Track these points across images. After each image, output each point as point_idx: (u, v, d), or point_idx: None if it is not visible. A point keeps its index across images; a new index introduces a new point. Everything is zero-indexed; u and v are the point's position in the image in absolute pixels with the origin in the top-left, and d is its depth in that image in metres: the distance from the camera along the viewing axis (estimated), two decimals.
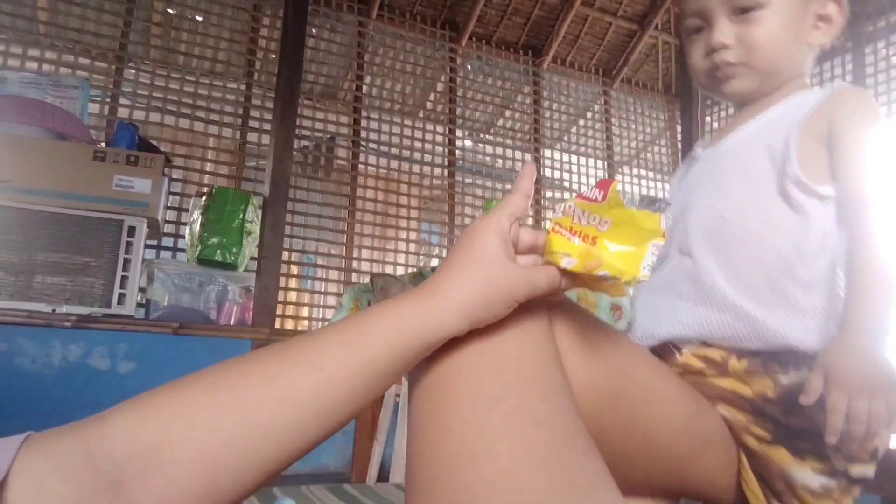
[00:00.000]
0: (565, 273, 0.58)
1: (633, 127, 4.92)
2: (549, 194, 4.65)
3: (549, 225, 0.59)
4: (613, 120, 4.84)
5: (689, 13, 0.78)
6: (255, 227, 3.12)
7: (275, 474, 0.48)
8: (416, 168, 4.12)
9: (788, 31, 0.75)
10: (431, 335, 0.53)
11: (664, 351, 0.75)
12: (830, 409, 0.60)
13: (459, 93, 4.34)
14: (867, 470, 0.65)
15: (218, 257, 2.94)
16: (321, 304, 3.72)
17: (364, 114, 3.96)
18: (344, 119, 3.91)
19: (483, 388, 0.52)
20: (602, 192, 0.59)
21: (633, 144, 4.94)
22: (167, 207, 3.09)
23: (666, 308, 0.74)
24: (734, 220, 0.71)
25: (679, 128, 4.69)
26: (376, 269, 3.82)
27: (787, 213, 0.69)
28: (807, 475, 0.65)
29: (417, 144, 4.11)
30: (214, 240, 2.95)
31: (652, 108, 5.02)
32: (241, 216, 3.02)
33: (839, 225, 0.68)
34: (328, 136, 3.86)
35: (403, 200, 4.03)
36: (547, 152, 4.61)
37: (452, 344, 0.55)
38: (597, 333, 0.64)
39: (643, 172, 4.92)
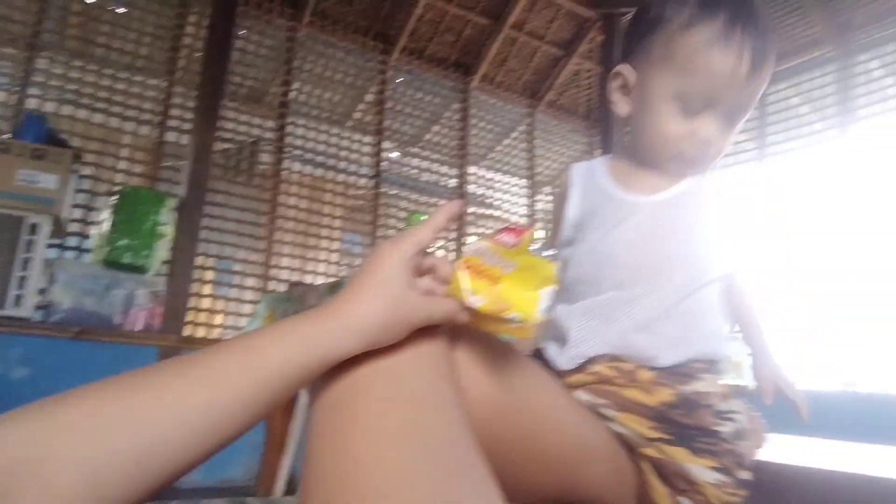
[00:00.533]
0: (468, 309, 0.60)
1: (556, 149, 5.08)
2: (471, 210, 4.73)
3: (460, 260, 0.62)
4: (537, 141, 4.98)
5: (700, 91, 0.78)
6: (169, 230, 3.02)
7: (164, 487, 0.48)
8: (341, 177, 4.10)
9: None
10: (329, 355, 0.54)
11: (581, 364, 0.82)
12: (798, 396, 0.84)
13: (389, 104, 4.35)
14: (747, 475, 0.76)
15: (126, 260, 2.83)
16: (236, 311, 3.63)
17: (290, 119, 3.91)
18: (269, 124, 3.84)
19: (377, 401, 0.54)
20: (517, 239, 0.62)
21: (555, 166, 5.09)
22: (74, 206, 2.94)
23: (599, 329, 0.80)
24: (673, 266, 0.80)
25: (597, 153, 4.88)
26: (295, 277, 3.77)
27: (711, 261, 0.83)
28: (704, 471, 0.73)
29: (344, 153, 4.09)
30: (124, 241, 2.83)
31: (573, 131, 5.20)
32: (154, 218, 2.91)
33: (731, 280, 0.87)
34: (251, 139, 3.79)
35: (327, 209, 4.00)
36: (472, 168, 4.69)
37: (352, 359, 0.57)
38: (493, 351, 0.67)
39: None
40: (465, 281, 0.60)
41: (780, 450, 1.60)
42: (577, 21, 4.62)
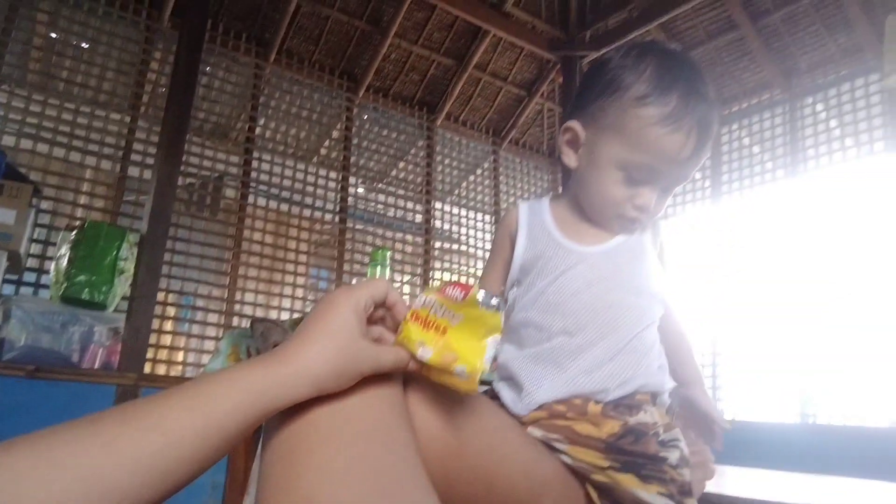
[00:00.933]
0: (417, 360, 0.62)
1: (520, 185, 5.18)
2: (438, 245, 4.77)
3: (409, 311, 0.64)
4: (501, 178, 5.07)
5: (643, 165, 0.82)
6: (130, 266, 2.97)
7: None
8: (307, 212, 4.10)
9: None
10: (279, 401, 0.55)
11: None
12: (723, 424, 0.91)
13: (354, 141, 4.40)
14: (691, 502, 0.80)
15: (85, 296, 2.77)
16: (198, 348, 3.57)
17: (256, 154, 3.92)
18: (234, 159, 3.84)
19: (329, 440, 0.56)
20: (463, 294, 0.65)
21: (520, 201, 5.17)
22: (32, 240, 2.89)
23: (549, 375, 0.83)
24: (619, 312, 0.85)
25: (560, 189, 4.98)
26: (260, 313, 3.73)
27: (649, 306, 0.88)
28: (653, 497, 0.76)
29: (310, 189, 4.11)
30: (82, 277, 2.78)
31: (537, 168, 5.31)
32: (115, 253, 2.87)
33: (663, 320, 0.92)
34: (216, 174, 3.78)
35: (292, 243, 3.99)
36: (438, 204, 4.74)
37: (307, 400, 0.58)
38: (445, 391, 0.69)
39: None
40: (413, 332, 0.62)
41: (736, 481, 1.64)
42: (538, 63, 4.76)
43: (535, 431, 0.81)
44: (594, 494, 0.79)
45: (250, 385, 0.54)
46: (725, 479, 1.66)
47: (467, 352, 0.60)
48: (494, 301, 0.65)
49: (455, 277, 4.73)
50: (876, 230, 3.46)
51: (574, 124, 0.89)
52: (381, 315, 0.66)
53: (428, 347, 0.61)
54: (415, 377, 0.67)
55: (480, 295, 0.64)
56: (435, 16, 4.31)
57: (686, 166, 0.83)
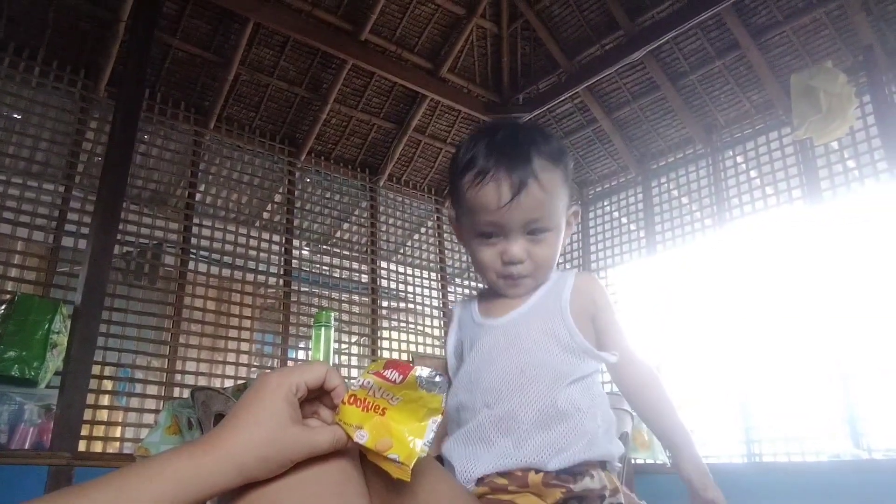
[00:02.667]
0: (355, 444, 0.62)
1: None
2: (385, 304, 4.76)
3: (346, 394, 0.64)
4: (446, 235, 5.14)
5: (488, 223, 0.89)
6: (63, 339, 2.87)
7: None
8: (250, 276, 4.06)
9: (560, 245, 0.94)
10: (205, 491, 0.55)
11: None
12: (718, 500, 0.84)
13: (298, 204, 4.42)
14: None
15: (15, 372, 2.65)
16: (137, 421, 3.43)
17: (196, 220, 3.89)
18: (174, 225, 3.80)
19: None
20: (402, 376, 0.64)
21: (465, 258, 5.25)
22: None
23: (480, 452, 0.84)
24: (532, 375, 0.85)
25: None
26: (203, 381, 3.62)
27: (573, 368, 0.87)
28: None
29: (253, 253, 4.08)
30: (12, 353, 2.67)
31: None
32: (47, 326, 2.77)
33: (617, 373, 0.92)
34: (155, 242, 3.72)
35: (236, 309, 3.92)
36: (384, 263, 4.76)
37: None
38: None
39: (474, 284, 5.21)
40: (351, 415, 0.62)
41: None
42: (475, 124, 4.93)
43: None
44: None
45: (173, 476, 0.53)
46: None
47: (405, 435, 0.60)
48: (438, 378, 0.64)
49: (405, 336, 4.71)
50: (797, 274, 3.65)
51: (448, 204, 0.96)
52: (320, 397, 0.65)
53: (364, 431, 0.61)
54: None
55: (425, 372, 0.64)
56: (373, 82, 4.44)
57: (517, 210, 0.86)
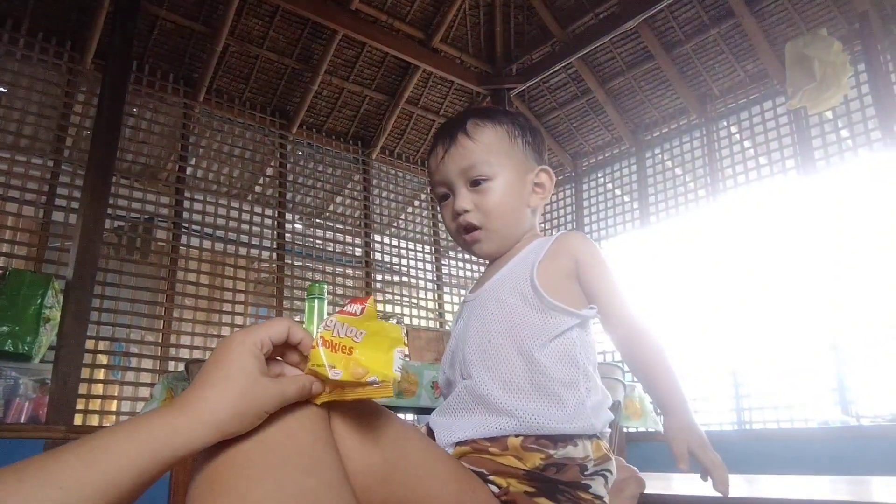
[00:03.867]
0: (331, 382, 0.64)
1: None
2: (379, 277, 4.77)
3: (315, 337, 0.66)
4: (440, 214, 5.12)
5: (437, 183, 0.98)
6: (56, 314, 2.87)
7: None
8: (243, 251, 4.05)
9: (512, 197, 0.95)
10: (181, 450, 0.55)
11: None
12: (713, 464, 0.79)
13: (290, 177, 4.39)
14: None
15: (8, 347, 2.66)
16: (132, 395, 3.45)
17: (187, 194, 3.86)
18: (165, 199, 3.78)
19: (251, 468, 0.57)
20: (361, 307, 0.67)
21: None
22: None
23: (458, 421, 0.86)
24: (499, 343, 0.86)
25: None
26: (197, 355, 3.63)
27: (539, 330, 0.86)
28: None
29: (245, 227, 4.06)
30: (5, 328, 2.67)
31: None
32: (39, 301, 2.77)
33: (607, 331, 0.89)
34: (146, 216, 3.70)
35: (230, 283, 3.92)
36: (377, 237, 4.75)
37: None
38: (373, 419, 0.71)
39: (467, 256, 5.22)
40: (322, 357, 0.63)
41: (681, 483, 1.70)
42: (468, 96, 4.89)
43: (465, 465, 0.82)
44: None
45: (149, 436, 0.54)
46: (672, 483, 1.72)
47: (376, 363, 0.63)
48: (392, 320, 0.67)
49: (398, 309, 4.73)
50: (790, 245, 3.66)
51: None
52: (288, 353, 0.67)
53: (337, 369, 0.63)
54: (337, 407, 0.68)
55: (378, 305, 0.67)
56: (365, 53, 4.39)
57: (450, 161, 0.95)
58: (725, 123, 4.18)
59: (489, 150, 0.94)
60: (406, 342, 0.80)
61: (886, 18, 3.42)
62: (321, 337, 0.65)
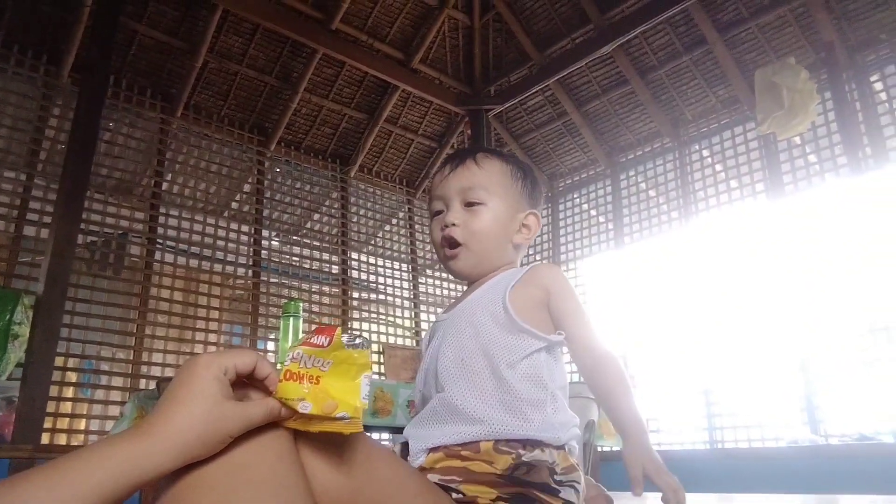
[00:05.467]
0: (300, 416, 0.63)
1: None
2: (356, 295, 4.76)
3: (280, 371, 0.65)
4: (417, 226, 5.15)
5: (435, 198, 1.04)
6: (25, 330, 2.81)
7: None
8: (218, 267, 4.02)
9: (498, 227, 1.01)
10: (144, 475, 0.55)
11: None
12: (670, 487, 0.79)
13: (267, 194, 4.38)
14: None
15: None
16: (102, 413, 3.38)
17: (162, 210, 3.83)
18: (139, 215, 3.74)
19: (216, 489, 0.57)
20: (328, 339, 0.67)
21: None
22: None
23: (432, 430, 0.88)
24: (471, 360, 0.90)
25: None
26: (169, 373, 3.58)
27: (509, 350, 0.90)
28: None
29: (221, 243, 4.03)
30: None
31: None
32: (8, 317, 2.71)
33: (573, 358, 0.93)
34: (120, 231, 3.66)
35: (204, 300, 3.88)
36: (354, 254, 4.75)
37: None
38: (340, 439, 0.71)
39: (444, 275, 5.23)
40: (289, 390, 0.63)
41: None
42: (447, 116, 4.94)
43: (434, 477, 0.83)
44: None
45: (114, 462, 0.53)
46: (645, 503, 1.73)
47: (344, 395, 0.63)
48: (358, 340, 0.67)
49: (375, 327, 4.72)
50: (760, 267, 3.74)
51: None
52: (253, 381, 0.66)
53: (307, 402, 0.62)
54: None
55: (345, 337, 0.67)
56: (344, 72, 4.42)
57: (453, 179, 1.01)
58: (697, 147, 4.27)
59: (490, 179, 1.01)
60: (371, 367, 0.81)
61: (851, 49, 3.54)
62: (288, 370, 0.64)
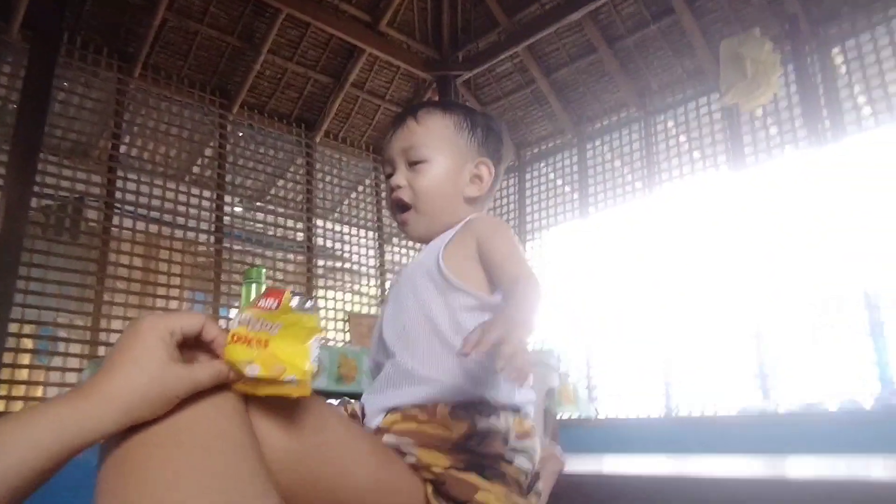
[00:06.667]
0: (247, 380, 0.63)
1: None
2: (321, 263, 4.73)
3: (228, 334, 0.64)
4: (383, 194, 5.10)
5: (384, 161, 1.03)
6: None
7: None
8: (179, 233, 3.94)
9: (445, 182, 0.98)
10: (89, 436, 0.54)
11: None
12: (514, 350, 0.63)
13: (230, 159, 4.29)
14: (535, 499, 0.86)
15: None
16: (60, 381, 3.32)
17: (121, 174, 3.73)
18: (97, 178, 3.63)
19: (163, 448, 0.56)
20: (276, 301, 0.67)
21: None
22: None
23: (387, 394, 0.88)
24: (414, 325, 0.89)
25: None
26: None
27: (447, 311, 0.88)
28: (488, 496, 0.79)
29: (182, 209, 3.95)
30: None
31: None
32: None
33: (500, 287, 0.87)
34: (76, 195, 3.56)
35: (165, 266, 3.81)
36: (320, 222, 4.70)
37: None
38: (291, 401, 0.70)
39: (411, 243, 5.22)
40: (237, 353, 0.62)
41: (611, 464, 1.77)
42: (414, 81, 4.87)
43: (389, 438, 0.83)
44: (430, 491, 0.81)
45: (57, 424, 0.53)
46: (603, 464, 1.79)
47: (293, 358, 0.62)
48: (309, 304, 0.67)
49: (340, 295, 4.70)
50: (720, 237, 3.81)
51: None
52: (201, 344, 0.66)
53: (255, 365, 0.62)
54: None
55: (294, 301, 0.67)
56: (309, 33, 4.31)
57: (395, 140, 1.01)
58: (663, 118, 4.30)
59: (431, 135, 0.98)
60: (321, 330, 0.79)
61: (814, 21, 3.58)
62: (236, 333, 0.64)
